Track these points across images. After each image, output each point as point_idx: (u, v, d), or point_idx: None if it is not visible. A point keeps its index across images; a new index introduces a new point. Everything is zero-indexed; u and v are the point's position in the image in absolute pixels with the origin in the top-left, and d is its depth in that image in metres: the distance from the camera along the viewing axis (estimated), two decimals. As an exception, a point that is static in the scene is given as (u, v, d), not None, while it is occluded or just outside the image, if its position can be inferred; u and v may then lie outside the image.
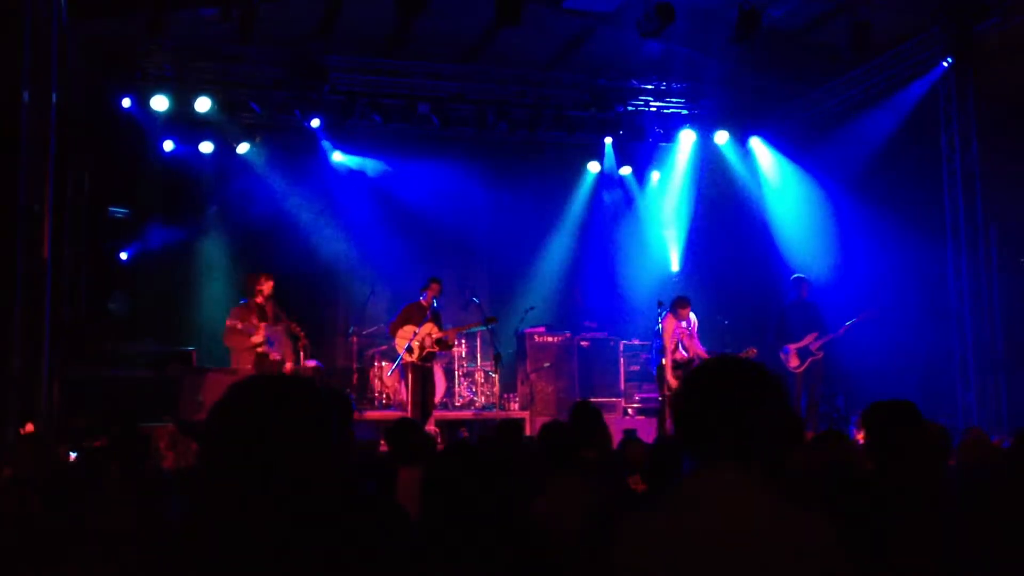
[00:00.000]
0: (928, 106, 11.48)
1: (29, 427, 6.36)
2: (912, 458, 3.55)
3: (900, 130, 11.82)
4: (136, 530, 3.03)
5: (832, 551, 2.21)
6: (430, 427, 11.09)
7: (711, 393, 2.33)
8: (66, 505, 3.91)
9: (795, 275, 12.29)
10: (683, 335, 11.89)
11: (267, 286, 11.01)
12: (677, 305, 11.98)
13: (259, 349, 10.75)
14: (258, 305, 10.94)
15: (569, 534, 3.60)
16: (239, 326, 10.66)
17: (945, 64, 11.07)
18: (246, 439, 1.88)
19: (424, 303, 11.74)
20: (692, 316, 12.14)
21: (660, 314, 12.22)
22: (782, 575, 2.17)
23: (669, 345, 11.73)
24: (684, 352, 11.80)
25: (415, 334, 11.53)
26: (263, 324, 10.80)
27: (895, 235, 11.79)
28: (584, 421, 5.75)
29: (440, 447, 8.38)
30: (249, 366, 10.64)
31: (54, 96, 9.44)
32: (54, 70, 9.43)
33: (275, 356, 10.87)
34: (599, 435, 5.90)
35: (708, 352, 12.25)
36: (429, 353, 11.66)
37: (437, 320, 11.80)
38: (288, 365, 10.92)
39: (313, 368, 11.62)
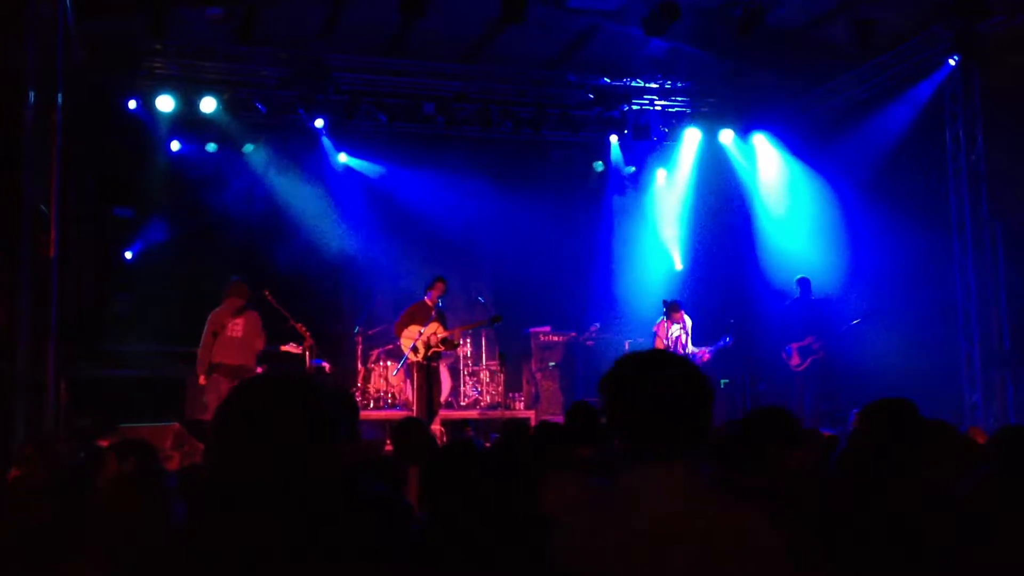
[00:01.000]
0: (933, 104, 11.45)
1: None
2: (910, 456, 3.53)
3: (905, 128, 11.78)
4: (142, 530, 3.03)
5: (770, 548, 2.17)
6: (435, 426, 11.09)
7: (645, 389, 2.31)
8: (72, 505, 3.92)
9: (799, 276, 12.30)
10: (678, 340, 12.03)
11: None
12: (669, 309, 12.10)
13: None
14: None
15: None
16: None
17: (951, 62, 11.04)
18: (253, 438, 1.88)
19: (429, 302, 11.74)
20: (686, 318, 12.23)
21: (664, 314, 12.29)
22: (717, 572, 2.14)
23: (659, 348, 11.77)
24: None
25: (420, 333, 11.54)
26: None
27: (900, 232, 11.76)
28: (581, 420, 5.74)
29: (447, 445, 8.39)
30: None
31: (59, 96, 9.45)
32: (60, 70, 9.44)
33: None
34: (599, 434, 5.89)
35: (710, 351, 12.31)
36: (435, 353, 11.66)
37: (442, 319, 11.81)
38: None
39: (319, 368, 11.64)
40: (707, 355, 12.33)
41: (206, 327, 10.88)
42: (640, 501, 2.22)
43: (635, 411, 2.30)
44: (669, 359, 2.39)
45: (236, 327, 10.82)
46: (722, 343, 12.34)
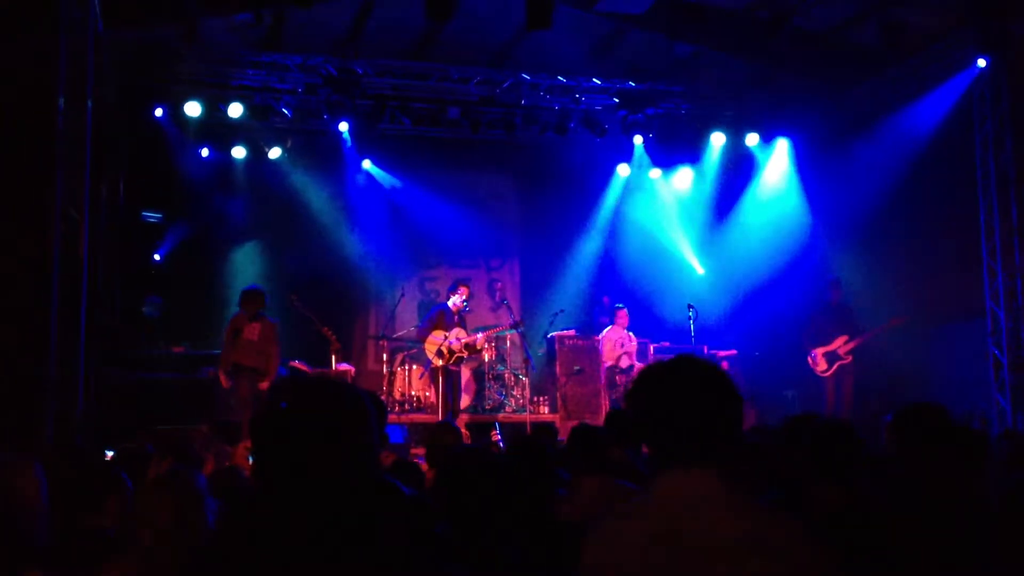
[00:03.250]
0: (962, 106, 11.37)
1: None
2: (943, 462, 3.50)
3: (932, 130, 11.69)
4: (175, 530, 3.06)
5: (803, 554, 2.16)
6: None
7: (673, 394, 2.31)
8: (102, 507, 3.95)
9: (830, 278, 12.24)
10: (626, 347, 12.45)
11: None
12: (617, 314, 13.07)
13: None
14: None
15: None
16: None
17: (980, 64, 10.95)
18: (289, 439, 1.91)
19: (453, 308, 11.80)
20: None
21: (690, 317, 12.30)
22: None
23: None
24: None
25: (444, 338, 11.59)
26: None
27: (928, 236, 11.69)
28: (618, 426, 5.75)
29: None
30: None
31: (89, 102, 9.55)
32: (90, 76, 9.54)
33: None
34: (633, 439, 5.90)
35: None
36: (458, 357, 11.72)
37: (465, 324, 11.88)
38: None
39: (345, 371, 11.70)
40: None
41: (226, 330, 11.02)
42: (667, 508, 2.22)
43: (658, 416, 2.30)
44: (692, 363, 2.38)
45: (253, 331, 10.94)
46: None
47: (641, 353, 13.40)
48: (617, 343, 12.93)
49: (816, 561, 2.16)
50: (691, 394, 2.28)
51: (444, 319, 11.80)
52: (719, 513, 2.19)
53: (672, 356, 2.44)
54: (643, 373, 2.41)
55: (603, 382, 12.84)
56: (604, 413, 11.26)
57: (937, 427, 3.64)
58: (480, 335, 12.13)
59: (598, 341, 13.09)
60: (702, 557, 2.13)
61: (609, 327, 13.08)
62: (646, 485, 2.32)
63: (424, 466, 5.75)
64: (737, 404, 2.31)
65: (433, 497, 3.16)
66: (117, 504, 3.91)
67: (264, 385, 10.62)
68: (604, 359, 12.85)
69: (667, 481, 2.26)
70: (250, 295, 11.09)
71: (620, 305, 13.25)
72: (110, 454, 6.79)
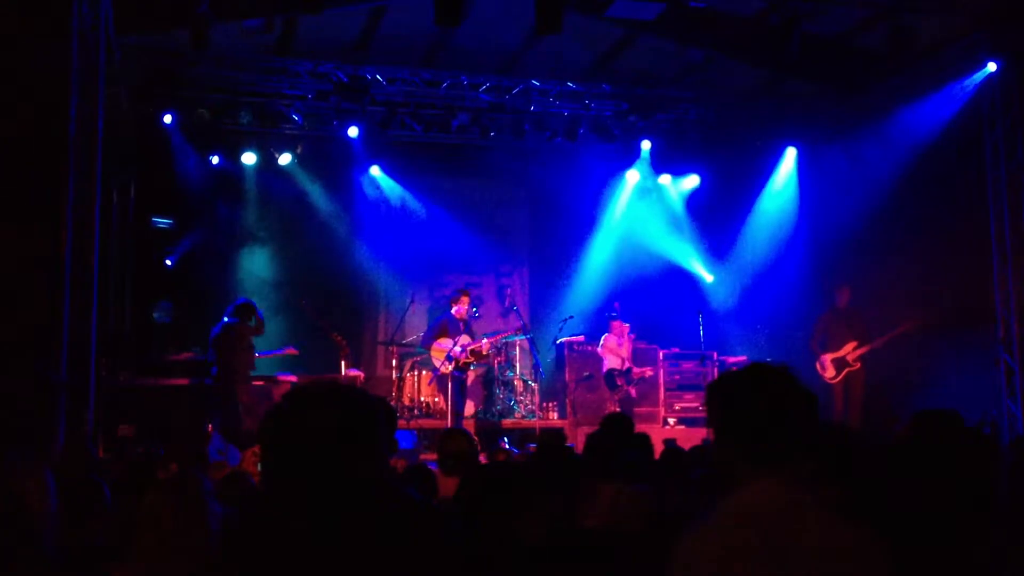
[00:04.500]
0: (973, 111, 11.33)
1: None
2: (959, 468, 3.48)
3: (943, 136, 11.65)
4: (177, 535, 3.07)
5: (880, 566, 2.19)
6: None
7: (760, 403, 2.32)
8: (111, 510, 3.97)
9: (839, 284, 12.20)
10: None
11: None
12: (614, 322, 13.09)
13: None
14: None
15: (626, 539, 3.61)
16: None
17: (991, 67, 10.91)
18: (298, 444, 1.92)
19: (457, 315, 11.82)
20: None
21: (700, 323, 12.32)
22: None
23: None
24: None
25: (453, 344, 11.60)
26: None
27: (937, 242, 11.65)
28: (618, 430, 5.75)
29: (481, 455, 8.40)
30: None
31: (100, 108, 9.59)
32: (101, 82, 9.59)
33: None
34: (638, 443, 5.90)
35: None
36: (464, 364, 11.74)
37: (471, 331, 11.90)
38: None
39: (354, 377, 11.73)
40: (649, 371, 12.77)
41: (237, 339, 11.08)
42: (758, 515, 2.23)
43: (747, 425, 2.30)
44: (773, 372, 2.40)
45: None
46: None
47: (651, 359, 13.39)
48: (615, 347, 12.88)
49: (888, 567, 2.19)
50: (778, 403, 2.29)
51: (449, 327, 11.83)
52: (808, 520, 2.21)
53: (747, 364, 2.45)
54: (723, 382, 2.42)
55: (604, 386, 12.89)
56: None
57: (951, 433, 3.62)
58: (486, 341, 12.14)
59: (598, 348, 13.12)
60: (783, 564, 2.15)
61: (605, 335, 13.09)
62: (724, 493, 2.31)
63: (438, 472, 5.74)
64: (817, 413, 2.33)
65: (456, 504, 3.16)
66: (122, 511, 3.93)
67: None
68: (605, 364, 12.86)
69: (756, 488, 2.27)
70: (248, 308, 11.32)
71: (614, 315, 13.20)
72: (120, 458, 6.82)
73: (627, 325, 13.03)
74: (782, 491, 2.24)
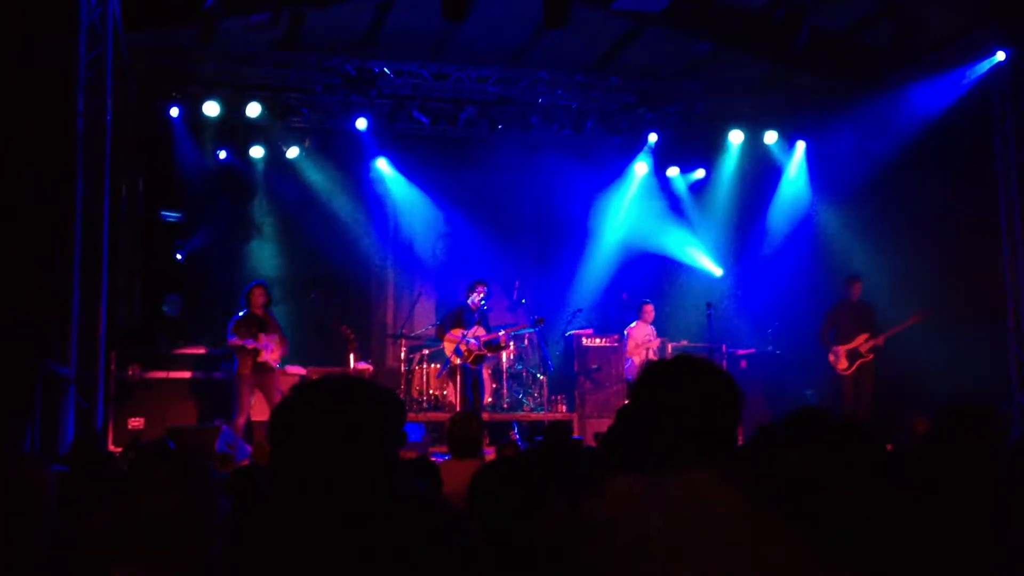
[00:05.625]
0: (980, 104, 11.28)
1: None
2: (979, 461, 3.47)
3: (951, 127, 11.60)
4: (183, 525, 3.08)
5: (801, 553, 2.16)
6: (479, 429, 11.12)
7: (673, 393, 2.31)
8: (119, 501, 3.98)
9: (849, 275, 12.16)
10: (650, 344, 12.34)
11: (258, 298, 11.18)
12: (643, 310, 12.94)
13: (259, 359, 10.90)
14: (256, 316, 11.10)
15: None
16: (237, 342, 10.86)
17: (999, 59, 10.86)
18: (306, 438, 1.92)
19: (472, 306, 11.81)
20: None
21: (708, 315, 12.26)
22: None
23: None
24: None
25: (463, 337, 11.61)
26: (261, 335, 10.97)
27: (947, 234, 11.61)
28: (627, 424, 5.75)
29: (488, 447, 8.42)
30: (248, 371, 10.84)
31: (109, 103, 9.62)
32: (109, 77, 9.62)
33: (270, 361, 10.99)
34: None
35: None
36: (478, 356, 11.73)
37: (484, 322, 11.89)
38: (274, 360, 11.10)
39: (363, 370, 11.74)
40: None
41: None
42: (669, 507, 2.22)
43: (658, 416, 2.31)
44: (694, 364, 2.39)
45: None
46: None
47: (660, 352, 13.35)
48: (643, 338, 12.76)
49: (815, 565, 2.16)
50: (693, 394, 2.29)
51: (463, 317, 11.83)
52: (718, 513, 2.19)
53: (675, 357, 2.45)
54: (646, 373, 2.42)
55: (630, 379, 12.64)
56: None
57: (979, 426, 3.60)
58: (502, 333, 12.13)
59: (622, 338, 13.00)
60: (702, 557, 2.13)
61: (635, 323, 12.94)
62: (648, 484, 2.32)
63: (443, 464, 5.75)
64: (736, 404, 2.32)
65: (468, 500, 3.17)
66: (129, 504, 3.94)
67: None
68: (629, 354, 12.67)
69: (669, 481, 2.26)
70: (249, 291, 11.28)
71: (647, 300, 13.09)
72: (129, 452, 6.84)
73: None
74: (701, 479, 2.23)
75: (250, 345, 10.83)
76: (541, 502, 3.00)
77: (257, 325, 11.05)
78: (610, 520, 2.30)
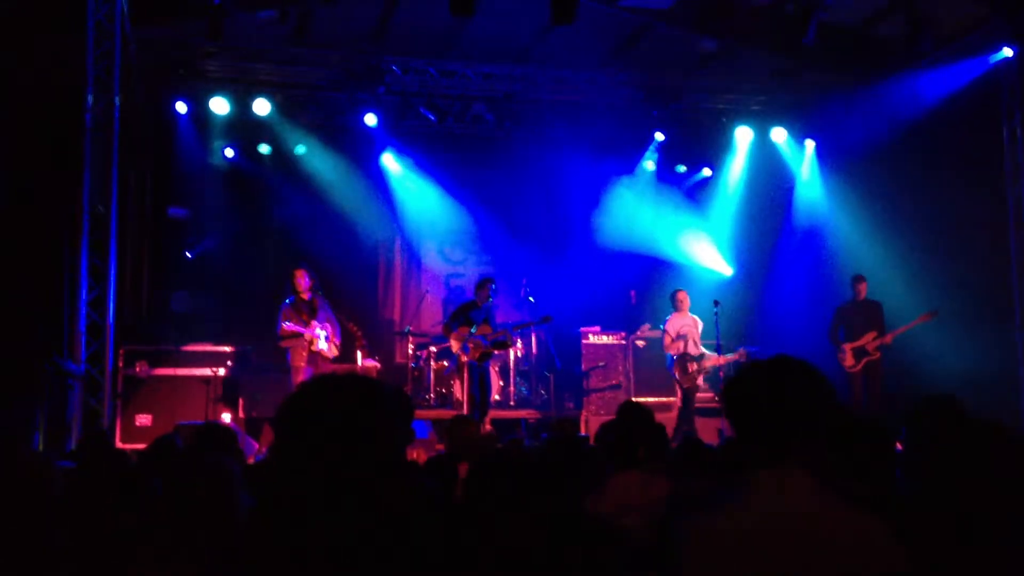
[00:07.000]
0: (989, 100, 11.22)
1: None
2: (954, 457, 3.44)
3: (960, 124, 11.55)
4: (205, 523, 3.08)
5: (893, 555, 2.19)
6: (486, 427, 11.12)
7: (774, 393, 2.32)
8: (134, 499, 3.99)
9: (854, 274, 12.12)
10: (688, 336, 12.03)
11: (301, 281, 10.92)
12: (677, 301, 12.29)
13: (313, 347, 10.76)
14: (304, 301, 10.93)
15: (630, 531, 3.60)
16: (287, 327, 10.64)
17: (1008, 54, 10.81)
18: (312, 436, 1.91)
19: (479, 303, 11.80)
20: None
21: (716, 313, 12.20)
22: None
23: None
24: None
25: (471, 334, 11.60)
26: (313, 322, 10.80)
27: (955, 232, 11.57)
28: (635, 420, 5.73)
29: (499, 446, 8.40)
30: (303, 363, 10.67)
31: (117, 99, 9.63)
32: (116, 74, 9.63)
33: (330, 354, 10.89)
34: (653, 433, 5.88)
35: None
36: (485, 353, 11.71)
37: (492, 320, 11.87)
38: (330, 353, 10.88)
39: (370, 367, 11.74)
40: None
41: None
42: (768, 505, 2.24)
43: (760, 416, 2.31)
44: (792, 364, 2.40)
45: None
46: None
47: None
48: (676, 331, 12.08)
49: (902, 562, 2.20)
50: (798, 393, 2.29)
51: (471, 314, 11.81)
52: (816, 514, 2.22)
53: (771, 356, 2.46)
54: (745, 372, 2.43)
55: (675, 376, 12.06)
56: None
57: (947, 420, 3.59)
58: (507, 331, 12.11)
59: (657, 327, 12.62)
60: (797, 558, 2.16)
61: (671, 315, 12.59)
62: (739, 482, 2.32)
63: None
64: (833, 404, 2.32)
65: (465, 493, 3.16)
66: (146, 500, 3.95)
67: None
68: (666, 350, 12.12)
69: (767, 478, 2.28)
70: (291, 276, 11.10)
71: (679, 288, 12.58)
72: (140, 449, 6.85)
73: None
74: (797, 481, 2.24)
75: (304, 332, 10.57)
76: (537, 498, 2.99)
77: (307, 311, 10.78)
78: (695, 516, 2.29)
